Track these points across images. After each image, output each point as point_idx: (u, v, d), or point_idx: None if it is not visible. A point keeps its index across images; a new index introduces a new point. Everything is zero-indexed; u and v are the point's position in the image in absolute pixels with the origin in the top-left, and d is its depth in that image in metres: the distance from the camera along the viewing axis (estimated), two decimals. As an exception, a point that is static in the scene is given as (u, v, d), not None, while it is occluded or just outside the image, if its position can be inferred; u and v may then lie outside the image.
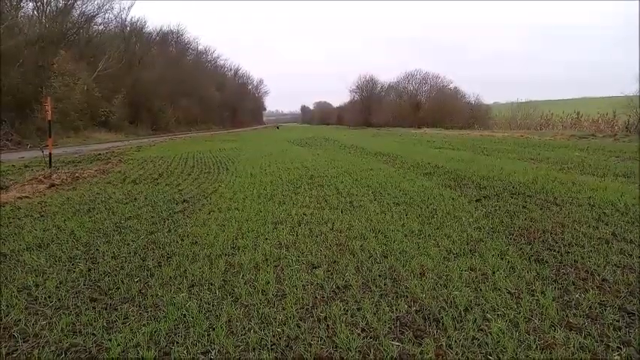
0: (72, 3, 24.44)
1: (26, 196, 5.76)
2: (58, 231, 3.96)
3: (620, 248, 3.23)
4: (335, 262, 3.06)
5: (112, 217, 4.51)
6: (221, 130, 44.96)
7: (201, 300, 2.46)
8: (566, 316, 2.21)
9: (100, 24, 30.20)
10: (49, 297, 2.52)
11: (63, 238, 3.71)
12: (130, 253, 3.32)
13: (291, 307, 2.35)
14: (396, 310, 2.31)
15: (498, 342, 1.96)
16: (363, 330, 2.12)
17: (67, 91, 21.06)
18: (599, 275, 2.73)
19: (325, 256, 3.18)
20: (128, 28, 35.52)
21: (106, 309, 2.37)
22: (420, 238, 3.57)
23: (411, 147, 15.08)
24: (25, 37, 19.73)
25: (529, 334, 2.03)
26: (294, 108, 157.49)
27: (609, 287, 2.55)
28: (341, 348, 1.96)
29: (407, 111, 49.07)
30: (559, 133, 20.74)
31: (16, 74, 18.29)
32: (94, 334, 2.10)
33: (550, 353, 1.89)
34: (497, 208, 4.68)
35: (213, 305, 2.39)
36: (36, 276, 2.83)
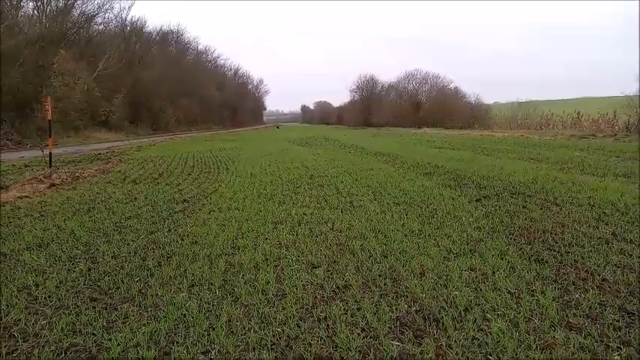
0: (72, 3, 24.49)
1: (26, 196, 5.76)
2: (58, 230, 3.96)
3: (620, 248, 3.23)
4: (335, 261, 3.06)
5: (112, 217, 4.51)
6: (221, 130, 44.97)
7: (201, 300, 2.46)
8: (566, 316, 2.21)
9: (100, 24, 30.31)
10: (49, 297, 2.52)
11: (63, 238, 3.71)
12: (130, 252, 3.32)
13: (291, 307, 2.35)
14: (396, 310, 2.31)
15: (498, 342, 1.96)
16: (363, 330, 2.12)
17: (67, 90, 21.05)
18: (599, 275, 2.73)
19: (325, 256, 3.18)
20: (128, 28, 35.56)
21: (106, 309, 2.37)
22: (420, 238, 3.57)
23: (411, 147, 15.08)
24: (25, 36, 19.75)
25: (529, 334, 2.03)
26: (295, 108, 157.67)
27: (609, 287, 2.55)
28: (341, 348, 1.96)
29: (407, 111, 49.07)
30: (559, 133, 20.72)
31: (17, 74, 18.30)
32: (94, 333, 2.10)
33: (550, 353, 1.89)
34: (497, 207, 4.67)
35: (213, 305, 2.39)
36: (36, 275, 2.83)
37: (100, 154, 13.06)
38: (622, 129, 20.40)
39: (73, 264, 3.07)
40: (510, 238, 3.54)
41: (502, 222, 4.05)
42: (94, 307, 2.38)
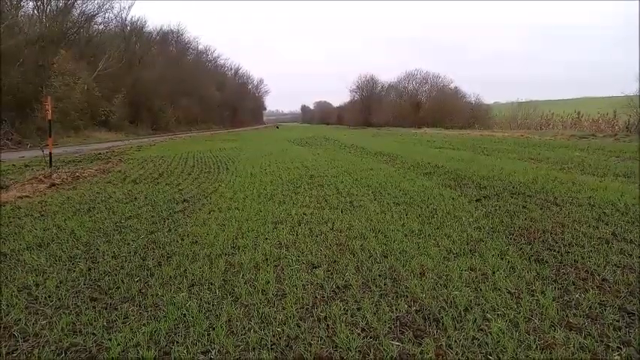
0: (72, 2, 24.47)
1: (26, 196, 5.76)
2: (58, 230, 3.96)
3: (620, 248, 3.23)
4: (335, 261, 3.06)
5: (112, 217, 4.51)
6: (221, 130, 44.97)
7: (201, 300, 2.46)
8: (566, 316, 2.21)
9: (100, 23, 30.30)
10: (49, 296, 2.52)
11: (63, 238, 3.71)
12: (130, 252, 3.32)
13: (291, 307, 2.35)
14: (396, 309, 2.31)
15: (498, 342, 1.96)
16: (363, 330, 2.12)
17: (68, 90, 21.05)
18: (599, 275, 2.73)
19: (325, 256, 3.18)
20: (128, 28, 35.55)
21: (106, 308, 2.37)
22: (420, 238, 3.57)
23: (411, 147, 15.08)
24: (25, 36, 19.73)
25: (529, 334, 2.03)
26: (295, 108, 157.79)
27: (609, 287, 2.55)
28: (341, 348, 1.96)
29: (407, 111, 49.09)
30: (559, 133, 20.73)
31: (17, 74, 18.29)
32: (94, 333, 2.10)
33: (550, 353, 1.89)
34: (497, 207, 4.67)
35: (213, 305, 2.39)
36: (36, 275, 2.83)
37: (100, 154, 13.06)
38: (622, 129, 20.40)
39: (73, 264, 3.07)
40: (510, 238, 3.54)
41: (502, 222, 4.05)
42: (94, 307, 2.38)
